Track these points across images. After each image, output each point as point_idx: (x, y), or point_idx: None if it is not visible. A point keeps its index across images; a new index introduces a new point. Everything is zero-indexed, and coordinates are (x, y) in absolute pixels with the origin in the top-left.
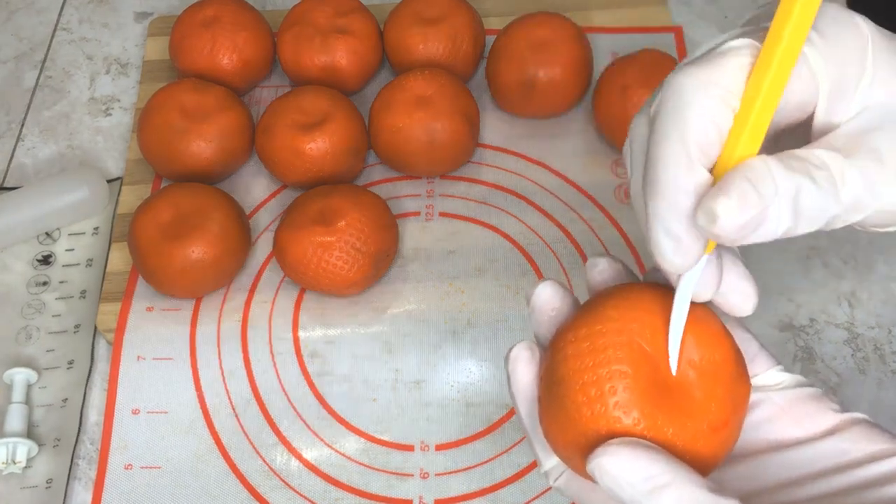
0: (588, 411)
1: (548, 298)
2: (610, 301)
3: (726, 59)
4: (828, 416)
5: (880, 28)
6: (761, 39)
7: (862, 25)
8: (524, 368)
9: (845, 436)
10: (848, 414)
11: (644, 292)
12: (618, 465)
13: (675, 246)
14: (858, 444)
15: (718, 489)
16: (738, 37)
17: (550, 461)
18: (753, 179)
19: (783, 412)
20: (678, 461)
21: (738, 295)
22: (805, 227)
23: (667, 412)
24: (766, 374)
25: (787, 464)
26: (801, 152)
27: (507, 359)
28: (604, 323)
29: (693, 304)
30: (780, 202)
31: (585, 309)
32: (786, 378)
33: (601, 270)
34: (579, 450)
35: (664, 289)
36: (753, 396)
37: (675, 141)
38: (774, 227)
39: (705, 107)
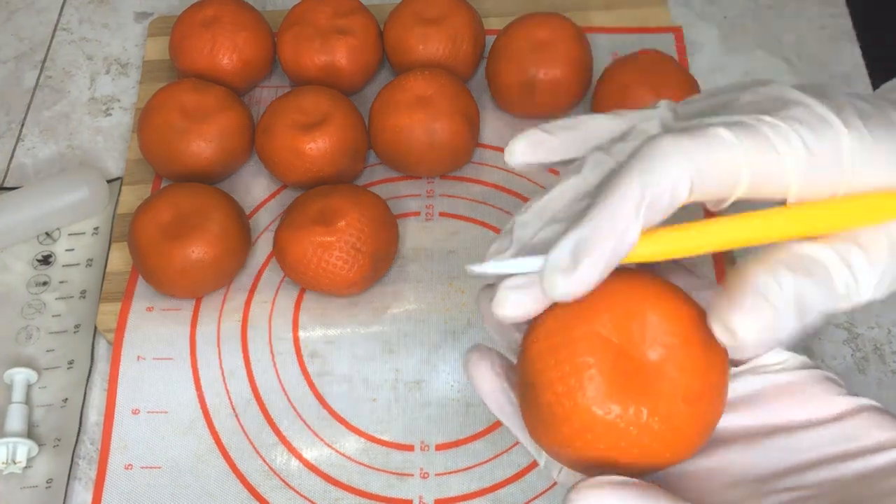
0: (560, 409)
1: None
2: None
3: (714, 143)
4: (834, 401)
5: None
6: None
7: (838, 126)
8: (482, 375)
9: (852, 422)
10: (855, 399)
11: (619, 280)
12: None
13: (569, 267)
14: (866, 430)
15: None
16: (726, 126)
17: (545, 456)
18: (766, 293)
19: (787, 394)
20: (652, 490)
21: None
22: (808, 326)
23: (637, 395)
24: (766, 354)
25: (793, 448)
26: (797, 249)
27: (464, 365)
28: (561, 320)
29: (645, 273)
30: (788, 309)
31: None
32: (787, 357)
33: (584, 282)
34: (563, 447)
35: (614, 274)
36: (755, 378)
37: (635, 187)
38: (785, 334)
39: (673, 175)
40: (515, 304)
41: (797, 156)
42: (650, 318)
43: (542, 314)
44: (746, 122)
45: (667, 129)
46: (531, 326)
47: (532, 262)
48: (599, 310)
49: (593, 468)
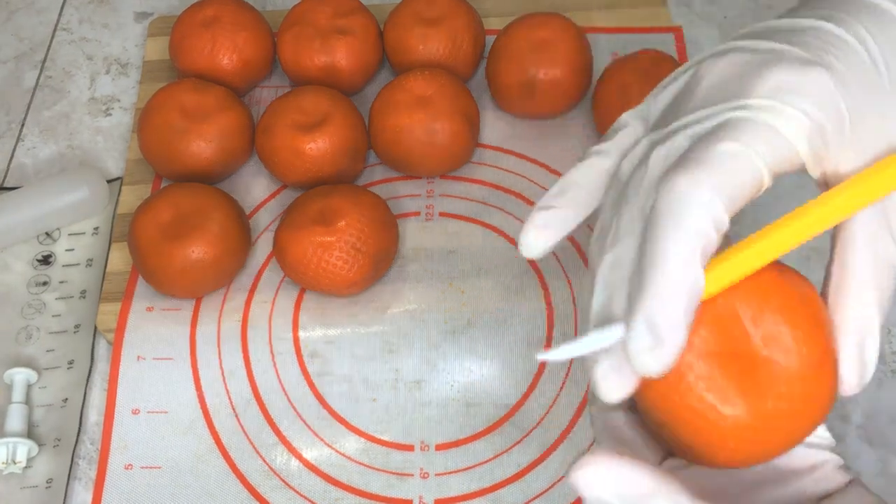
0: (698, 437)
1: None
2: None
3: (728, 164)
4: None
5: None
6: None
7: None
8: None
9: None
10: (854, 483)
11: (774, 270)
12: (593, 479)
13: (654, 345)
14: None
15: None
16: (728, 135)
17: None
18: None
19: (807, 472)
20: (662, 473)
21: None
22: None
23: (756, 389)
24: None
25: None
26: None
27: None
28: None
29: (811, 292)
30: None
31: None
32: (827, 438)
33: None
34: (716, 459)
35: (785, 269)
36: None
37: (677, 239)
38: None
39: (708, 213)
40: (620, 387)
41: (800, 128)
42: (745, 314)
43: None
44: (737, 117)
45: (652, 143)
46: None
47: (605, 337)
48: (695, 328)
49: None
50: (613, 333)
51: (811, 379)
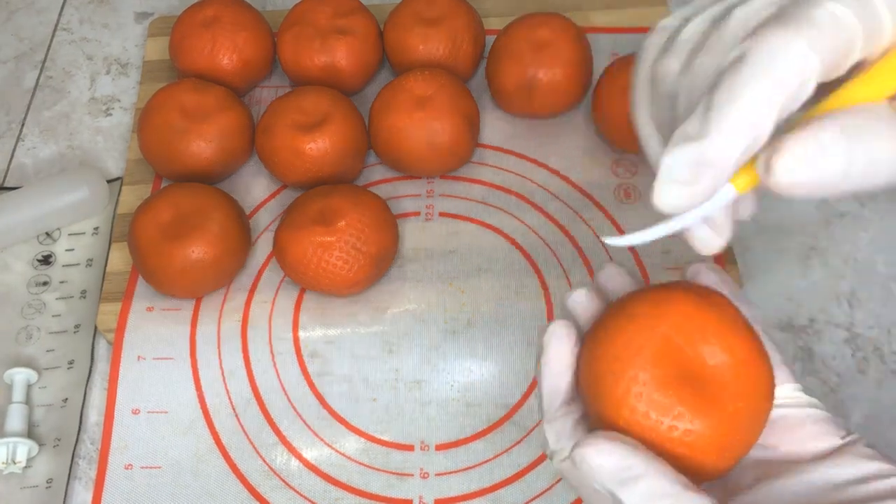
0: (611, 387)
1: (585, 305)
2: (638, 300)
3: (829, 24)
4: (832, 441)
5: None
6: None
7: None
8: (559, 345)
9: (844, 453)
10: (850, 438)
11: (671, 291)
12: (596, 455)
13: (688, 184)
14: (859, 461)
15: (690, 485)
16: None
17: (559, 444)
18: (815, 130)
19: (791, 431)
20: (655, 457)
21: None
22: (857, 180)
23: (685, 399)
24: (781, 387)
25: (794, 490)
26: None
27: (541, 331)
28: (644, 308)
29: (727, 302)
30: (836, 143)
31: (616, 308)
32: (800, 396)
33: (610, 276)
34: (598, 423)
35: (691, 288)
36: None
37: (765, 86)
38: (828, 175)
39: (802, 61)
40: (678, 196)
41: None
42: (712, 331)
43: (612, 312)
44: None
45: (728, 7)
46: (600, 323)
47: (675, 225)
48: (671, 319)
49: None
50: (684, 222)
51: (752, 371)
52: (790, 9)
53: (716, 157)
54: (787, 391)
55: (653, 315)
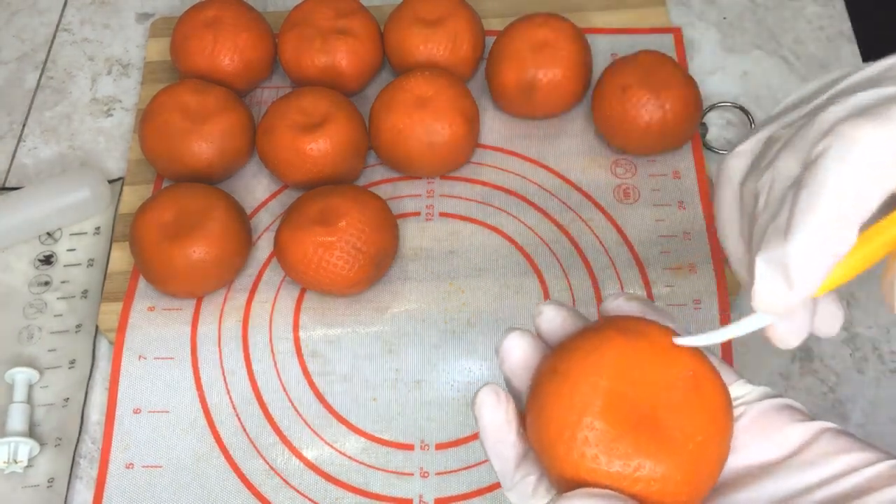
0: (565, 453)
1: (520, 353)
2: (570, 354)
3: None
4: (796, 429)
5: None
6: None
7: None
8: (490, 413)
9: (814, 450)
10: (816, 424)
11: (600, 337)
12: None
13: (784, 291)
14: (828, 458)
15: None
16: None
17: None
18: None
19: (751, 428)
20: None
21: (829, 316)
22: None
23: (643, 448)
24: (731, 387)
25: (762, 491)
26: None
27: (473, 402)
28: (576, 362)
29: (657, 329)
30: None
31: (561, 349)
32: (750, 389)
33: (548, 319)
34: (561, 486)
35: (618, 327)
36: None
37: (846, 176)
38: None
39: (881, 151)
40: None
41: None
42: (651, 367)
43: (557, 353)
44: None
45: (816, 108)
46: (546, 366)
47: (744, 327)
48: (602, 363)
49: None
50: (754, 324)
51: (702, 394)
52: (871, 107)
53: (804, 255)
54: (738, 389)
55: (588, 369)
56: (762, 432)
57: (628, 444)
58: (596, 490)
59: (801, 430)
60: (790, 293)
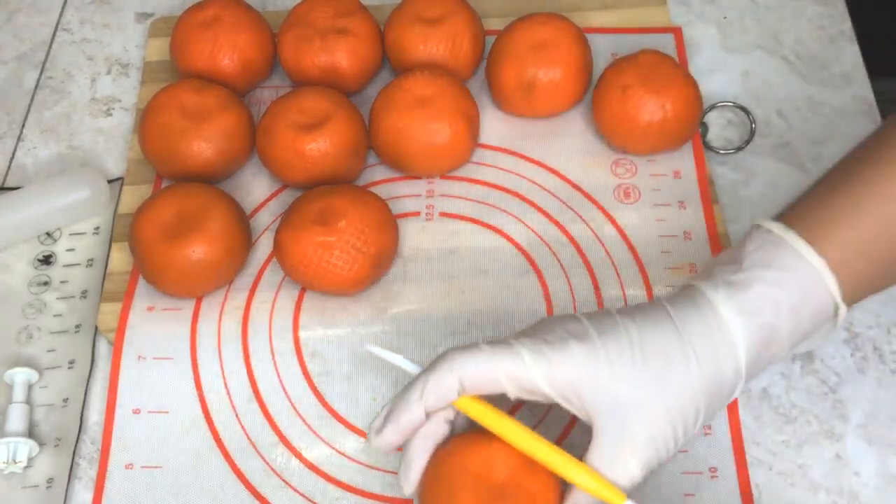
0: None
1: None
2: (455, 448)
3: (477, 355)
4: None
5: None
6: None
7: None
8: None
9: None
10: None
11: (480, 439)
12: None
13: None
14: None
15: None
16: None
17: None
18: None
19: None
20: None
21: None
22: None
23: None
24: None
25: None
26: None
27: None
28: (440, 461)
29: (488, 433)
30: None
31: (436, 456)
32: None
33: (388, 441)
34: None
35: (473, 435)
36: None
37: (419, 385)
38: None
39: (446, 378)
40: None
41: (541, 368)
42: (499, 457)
43: (433, 461)
44: (509, 340)
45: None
46: (427, 474)
47: (406, 364)
48: (467, 453)
49: None
50: (409, 367)
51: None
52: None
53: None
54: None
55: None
56: None
57: None
58: None
59: None
60: (379, 436)
